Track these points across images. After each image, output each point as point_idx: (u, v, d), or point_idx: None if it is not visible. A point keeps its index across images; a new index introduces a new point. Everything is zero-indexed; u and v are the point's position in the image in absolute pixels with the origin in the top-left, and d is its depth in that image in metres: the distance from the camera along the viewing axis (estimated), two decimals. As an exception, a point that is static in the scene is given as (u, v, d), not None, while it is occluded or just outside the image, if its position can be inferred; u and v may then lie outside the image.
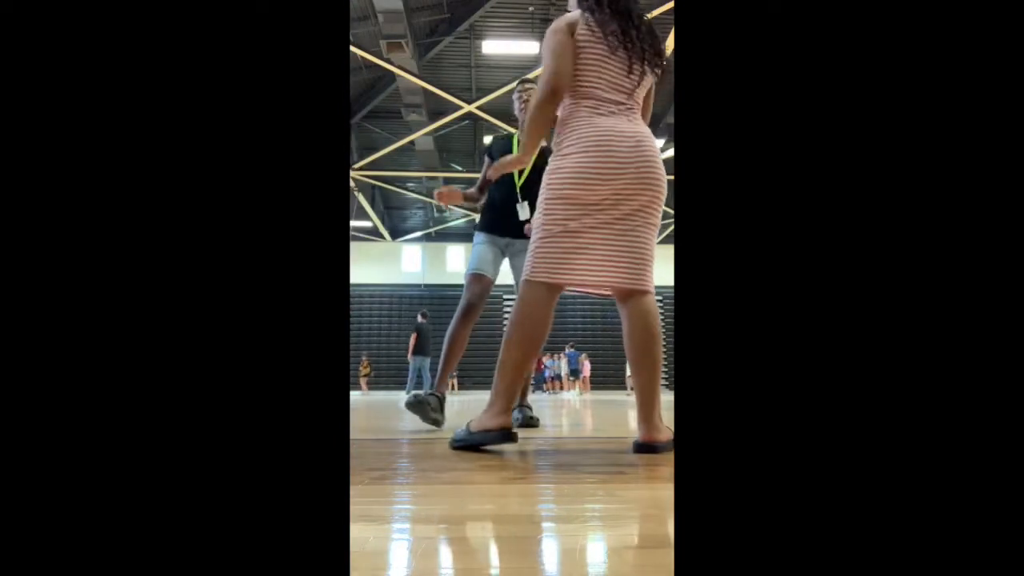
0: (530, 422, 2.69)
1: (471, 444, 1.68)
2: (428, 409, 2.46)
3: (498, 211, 2.78)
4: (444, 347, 2.63)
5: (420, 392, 2.53)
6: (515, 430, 1.73)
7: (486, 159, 2.94)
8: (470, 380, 17.25)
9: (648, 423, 1.66)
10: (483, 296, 2.67)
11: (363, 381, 15.80)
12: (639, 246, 1.68)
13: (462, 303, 2.64)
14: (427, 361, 9.39)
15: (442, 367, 2.62)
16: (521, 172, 2.76)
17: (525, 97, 2.78)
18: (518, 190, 2.78)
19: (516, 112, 2.88)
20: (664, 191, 1.72)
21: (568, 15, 1.73)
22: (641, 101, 1.77)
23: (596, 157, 1.64)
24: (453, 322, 2.60)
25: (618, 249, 1.67)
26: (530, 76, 9.28)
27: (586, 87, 1.69)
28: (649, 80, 1.76)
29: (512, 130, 11.85)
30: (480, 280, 2.67)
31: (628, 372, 8.52)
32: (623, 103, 1.71)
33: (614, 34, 1.68)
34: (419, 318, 9.70)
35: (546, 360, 14.93)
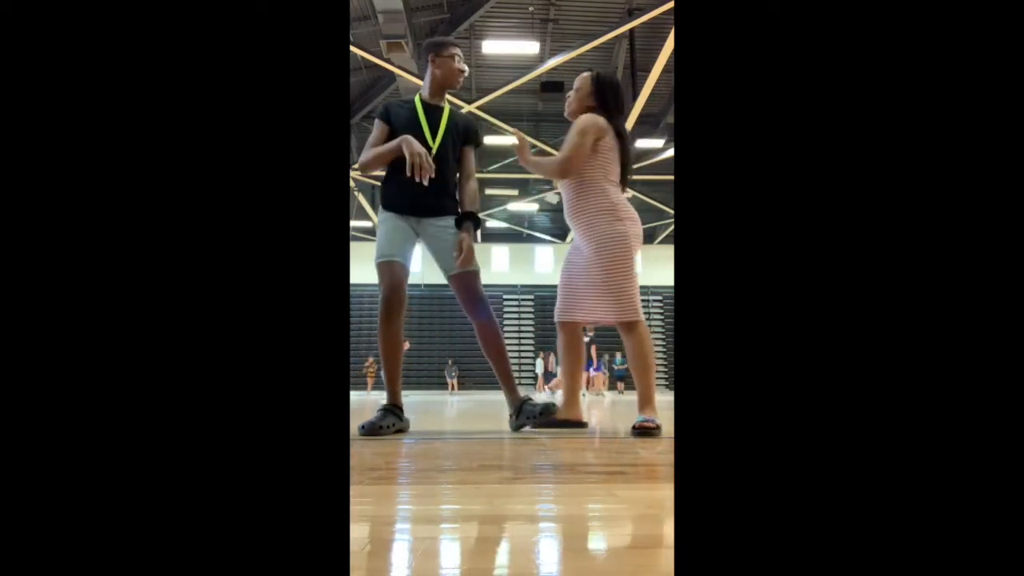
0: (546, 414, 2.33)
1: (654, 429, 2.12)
2: (386, 430, 2.22)
3: (405, 185, 2.30)
4: (381, 354, 2.32)
5: (371, 420, 2.23)
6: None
7: (379, 122, 2.45)
8: (471, 380, 17.24)
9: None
10: (399, 287, 2.28)
11: (371, 380, 16.28)
12: None
13: (380, 300, 2.29)
14: None
15: (388, 375, 2.35)
16: (434, 139, 2.39)
17: (462, 66, 2.49)
18: (432, 157, 2.34)
19: (443, 72, 2.48)
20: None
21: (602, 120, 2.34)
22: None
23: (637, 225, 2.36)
24: (379, 326, 2.29)
25: None
26: (529, 77, 9.26)
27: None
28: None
29: (512, 131, 11.71)
30: (390, 268, 2.31)
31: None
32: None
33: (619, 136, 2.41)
34: None
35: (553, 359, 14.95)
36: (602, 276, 2.26)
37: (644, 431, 2.12)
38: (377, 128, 2.45)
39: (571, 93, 2.44)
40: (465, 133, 2.53)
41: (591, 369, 12.31)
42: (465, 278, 2.39)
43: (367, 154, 2.40)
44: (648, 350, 2.27)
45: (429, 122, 2.44)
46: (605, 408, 4.98)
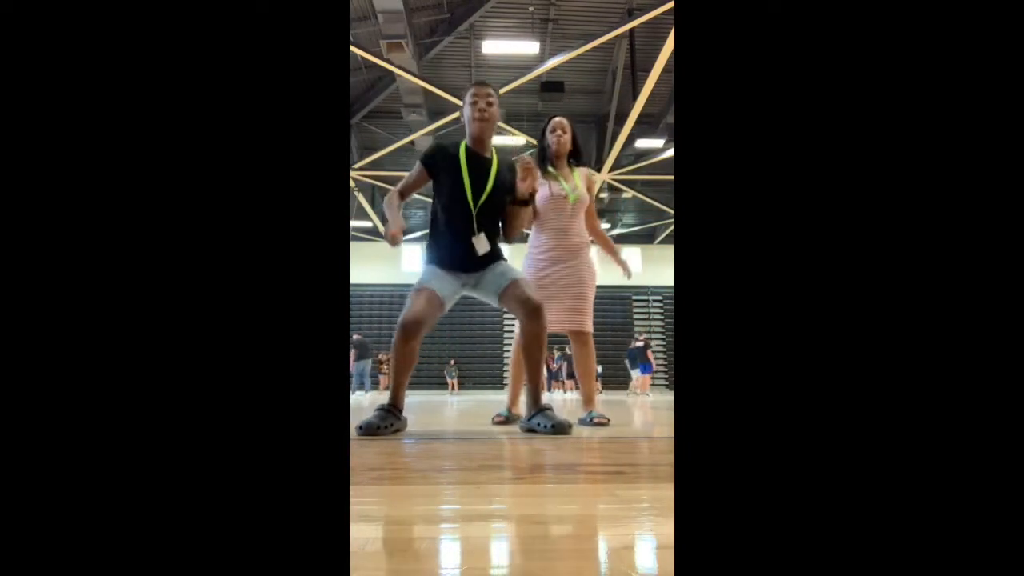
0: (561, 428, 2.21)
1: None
2: (384, 429, 2.16)
3: (453, 246, 2.36)
4: (392, 366, 2.27)
5: (369, 420, 2.17)
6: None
7: (421, 167, 2.42)
8: (471, 380, 17.24)
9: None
10: (420, 314, 2.21)
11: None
12: None
13: (398, 322, 2.22)
14: (368, 364, 12.39)
15: (395, 382, 2.28)
16: (477, 197, 2.35)
17: (482, 105, 2.38)
18: (474, 220, 2.34)
19: (467, 118, 2.42)
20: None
21: None
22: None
23: None
24: (394, 345, 2.24)
25: None
26: (529, 77, 9.26)
27: None
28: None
29: (512, 131, 11.72)
30: (419, 293, 2.27)
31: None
32: None
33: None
34: (354, 336, 12.90)
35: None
36: (589, 292, 2.85)
37: (601, 423, 2.67)
38: (415, 170, 2.41)
39: (562, 134, 2.92)
40: (511, 188, 2.40)
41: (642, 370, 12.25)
42: (512, 288, 2.35)
43: (392, 199, 2.36)
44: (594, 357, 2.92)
45: (472, 174, 2.35)
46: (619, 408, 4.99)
